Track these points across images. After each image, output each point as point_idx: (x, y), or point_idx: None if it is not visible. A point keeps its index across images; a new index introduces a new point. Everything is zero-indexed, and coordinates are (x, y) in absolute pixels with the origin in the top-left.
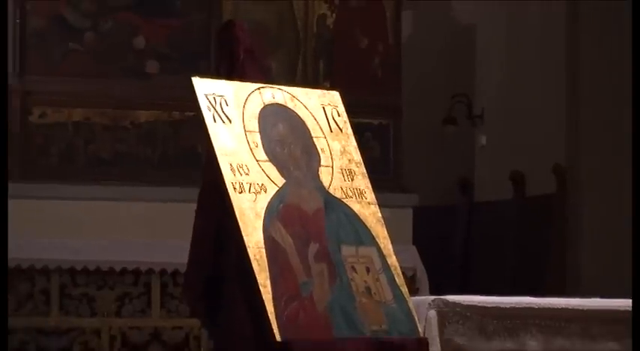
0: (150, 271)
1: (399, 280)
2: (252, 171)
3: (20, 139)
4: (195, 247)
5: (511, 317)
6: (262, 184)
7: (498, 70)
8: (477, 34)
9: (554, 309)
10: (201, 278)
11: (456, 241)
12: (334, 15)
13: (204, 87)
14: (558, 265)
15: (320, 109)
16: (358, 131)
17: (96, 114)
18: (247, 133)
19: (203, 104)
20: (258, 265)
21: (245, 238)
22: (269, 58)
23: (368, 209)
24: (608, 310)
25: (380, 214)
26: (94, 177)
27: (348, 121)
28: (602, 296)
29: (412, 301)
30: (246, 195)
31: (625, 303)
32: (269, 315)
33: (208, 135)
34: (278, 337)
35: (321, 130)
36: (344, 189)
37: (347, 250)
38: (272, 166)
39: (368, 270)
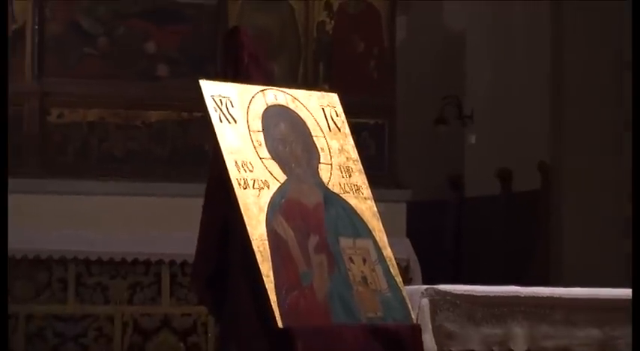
0: (160, 262)
1: (394, 270)
2: (255, 168)
3: (39, 138)
4: (203, 239)
5: (498, 305)
6: (265, 180)
7: (487, 73)
8: (467, 39)
9: (538, 297)
10: (208, 268)
11: (447, 234)
12: (333, 21)
13: (211, 89)
14: (542, 257)
15: (319, 109)
16: (355, 130)
17: (109, 114)
18: (251, 133)
19: (210, 105)
20: (262, 256)
21: (249, 230)
22: (272, 61)
23: (364, 204)
24: (588, 299)
25: (375, 209)
26: (108, 173)
27: (345, 121)
28: (583, 286)
29: (406, 290)
30: (250, 190)
31: (604, 292)
32: (272, 303)
33: (215, 134)
34: (280, 324)
35: (321, 129)
36: (342, 185)
37: (345, 242)
38: (274, 163)
39: (364, 261)
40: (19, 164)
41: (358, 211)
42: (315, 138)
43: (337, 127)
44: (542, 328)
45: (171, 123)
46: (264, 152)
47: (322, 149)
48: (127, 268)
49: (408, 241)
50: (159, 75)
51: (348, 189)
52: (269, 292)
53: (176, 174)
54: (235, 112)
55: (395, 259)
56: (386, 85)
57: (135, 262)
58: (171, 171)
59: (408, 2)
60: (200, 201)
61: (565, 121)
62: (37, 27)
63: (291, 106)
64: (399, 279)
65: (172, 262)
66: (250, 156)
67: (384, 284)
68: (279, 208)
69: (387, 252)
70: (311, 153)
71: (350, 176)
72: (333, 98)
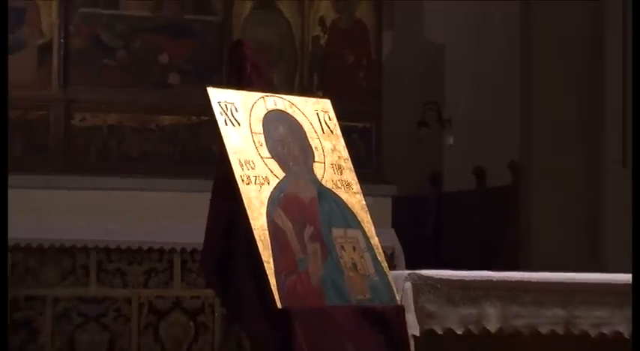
0: (172, 250)
1: (380, 257)
2: (257, 166)
3: (64, 140)
4: (210, 230)
5: (474, 288)
6: (266, 177)
7: (463, 82)
8: (446, 52)
9: (509, 281)
10: (215, 256)
11: (427, 225)
12: (326, 36)
13: (217, 95)
14: (513, 245)
15: (314, 114)
16: (346, 133)
17: (127, 118)
18: (253, 134)
19: (216, 110)
20: (263, 244)
21: (251, 222)
22: (271, 71)
23: (354, 198)
24: (554, 282)
25: (364, 202)
26: (125, 171)
27: (337, 125)
28: (549, 271)
29: (391, 275)
30: (252, 186)
31: (568, 276)
32: (271, 286)
33: (221, 136)
34: (279, 305)
35: (315, 132)
36: (334, 181)
37: (337, 232)
38: (274, 162)
39: (354, 249)
40: (46, 163)
41: (349, 205)
42: (310, 139)
43: (330, 129)
44: (513, 308)
45: (181, 126)
46: (264, 152)
47: (316, 149)
48: (142, 256)
49: (393, 231)
50: (171, 83)
51: (339, 185)
52: (269, 277)
53: (186, 172)
54: (239, 116)
55: (381, 247)
56: (373, 93)
57: (150, 250)
58: (181, 169)
59: (393, 18)
60: (207, 196)
61: (533, 125)
62: (62, 41)
63: (289, 111)
64: (385, 265)
65: (183, 250)
66: (252, 155)
67: (371, 270)
68: (278, 201)
69: (375, 241)
70: (307, 153)
71: (341, 173)
72: (326, 104)
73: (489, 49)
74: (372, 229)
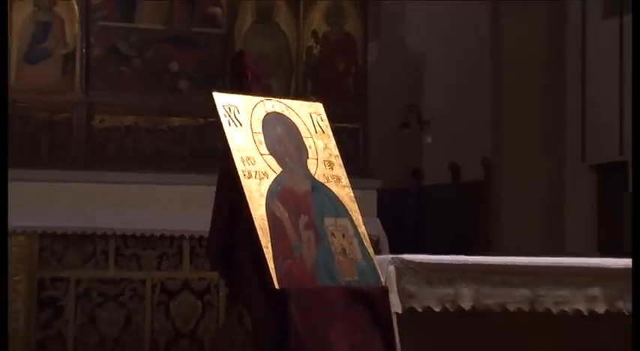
0: (181, 237)
1: (367, 243)
2: (257, 162)
3: (86, 139)
4: (215, 219)
5: (450, 271)
6: (265, 172)
7: (441, 88)
8: (426, 60)
9: (481, 265)
10: (219, 243)
11: (409, 215)
12: (319, 46)
13: (222, 99)
14: (484, 232)
15: (308, 116)
16: (336, 133)
17: (141, 120)
18: (254, 134)
19: (221, 112)
20: (262, 232)
21: (252, 212)
22: (270, 78)
23: (343, 190)
24: (521, 265)
25: (352, 194)
26: (140, 167)
27: (328, 125)
28: (517, 255)
29: (376, 259)
30: (253, 180)
31: (533, 259)
32: (270, 269)
33: (225, 135)
34: (276, 286)
35: (309, 131)
36: (326, 175)
37: (328, 221)
38: (272, 158)
39: (343, 236)
40: (70, 160)
41: (339, 197)
42: (304, 138)
43: (322, 129)
44: (485, 288)
45: (190, 127)
46: (264, 149)
47: (310, 147)
48: (155, 242)
49: (378, 220)
50: (180, 89)
51: (330, 179)
52: (268, 261)
53: (194, 167)
54: (241, 118)
55: (367, 234)
56: (360, 97)
57: (162, 237)
58: (190, 165)
59: (378, 31)
60: (213, 189)
61: (503, 126)
62: (84, 51)
63: (286, 113)
64: (371, 250)
65: (192, 237)
66: (253, 152)
67: (359, 254)
68: (276, 194)
69: (362, 229)
70: (301, 150)
71: (332, 169)
72: (319, 107)
73: (464, 59)
74: (360, 218)
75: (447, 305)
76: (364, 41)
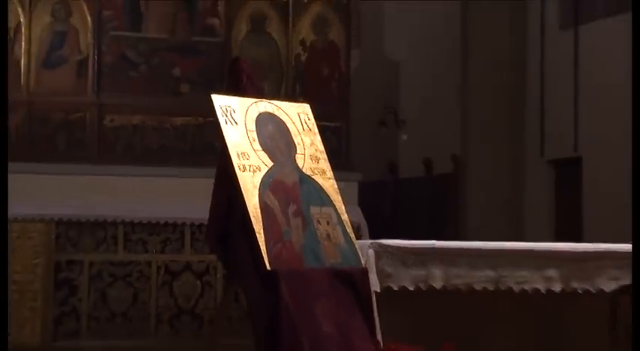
0: (183, 224)
1: (349, 229)
2: (251, 157)
3: (97, 136)
4: (213, 207)
5: (423, 254)
6: (258, 166)
7: (415, 90)
8: (401, 66)
9: (451, 248)
10: (217, 229)
11: (386, 205)
12: (306, 54)
13: (220, 101)
14: (453, 220)
15: (296, 115)
16: (321, 131)
17: (148, 119)
18: (248, 132)
19: (219, 112)
20: (255, 219)
21: (246, 201)
22: (263, 82)
23: (328, 182)
24: (485, 249)
25: (336, 186)
26: (146, 161)
27: (314, 124)
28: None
29: (357, 243)
30: (247, 173)
31: (496, 244)
32: (262, 252)
33: (222, 133)
34: (268, 267)
35: (297, 129)
36: (312, 169)
37: (314, 210)
38: (265, 153)
39: (328, 223)
40: (83, 155)
41: (324, 188)
42: (293, 136)
43: (309, 128)
44: (453, 270)
45: (191, 126)
46: (257, 146)
47: (298, 144)
48: (160, 228)
49: (359, 209)
50: (182, 91)
51: (316, 172)
52: (260, 245)
53: (194, 162)
54: (237, 117)
55: (350, 221)
56: (343, 99)
57: (166, 224)
58: (191, 160)
59: (359, 40)
60: (212, 181)
61: (470, 126)
62: (96, 58)
63: (277, 113)
64: (352, 236)
65: (192, 224)
66: (247, 148)
67: (342, 239)
68: (268, 185)
69: (344, 217)
70: (290, 146)
71: (318, 163)
72: (306, 108)
73: (436, 65)
74: (342, 207)
75: (420, 285)
76: (347, 49)
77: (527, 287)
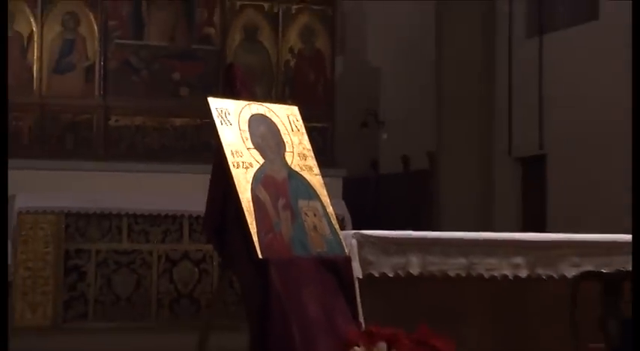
0: (182, 216)
1: (334, 221)
2: (244, 155)
3: (103, 136)
4: (210, 201)
5: (402, 243)
6: (250, 163)
7: (394, 94)
8: (381, 71)
9: (427, 238)
10: (213, 221)
11: (368, 198)
12: (295, 60)
13: (216, 103)
14: (429, 212)
15: (286, 117)
16: (308, 131)
17: (149, 120)
18: (241, 131)
19: (215, 114)
20: (248, 212)
21: (240, 195)
22: (255, 86)
23: (315, 178)
24: (458, 238)
25: (322, 181)
26: (148, 159)
27: (302, 125)
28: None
29: (341, 234)
30: (240, 169)
31: (469, 234)
32: (254, 242)
33: (217, 133)
34: (260, 256)
35: (287, 129)
36: (300, 166)
37: (302, 203)
38: (256, 151)
39: (315, 215)
40: (91, 153)
41: (311, 183)
42: (283, 135)
43: (297, 128)
44: (429, 258)
45: (189, 126)
46: (249, 144)
47: (287, 143)
48: (160, 220)
49: (343, 202)
50: (181, 95)
51: (304, 168)
52: (252, 235)
53: (192, 159)
54: (231, 118)
55: (335, 214)
56: (328, 102)
57: (166, 216)
58: (189, 157)
59: (344, 48)
60: (208, 177)
61: (444, 126)
62: (102, 64)
63: (268, 114)
64: (337, 227)
65: (190, 216)
66: (240, 147)
67: (327, 230)
68: (260, 180)
69: (330, 210)
70: (280, 145)
71: (305, 160)
72: (295, 110)
73: (413, 71)
74: (328, 200)
75: (399, 272)
76: (332, 56)
77: (496, 273)
